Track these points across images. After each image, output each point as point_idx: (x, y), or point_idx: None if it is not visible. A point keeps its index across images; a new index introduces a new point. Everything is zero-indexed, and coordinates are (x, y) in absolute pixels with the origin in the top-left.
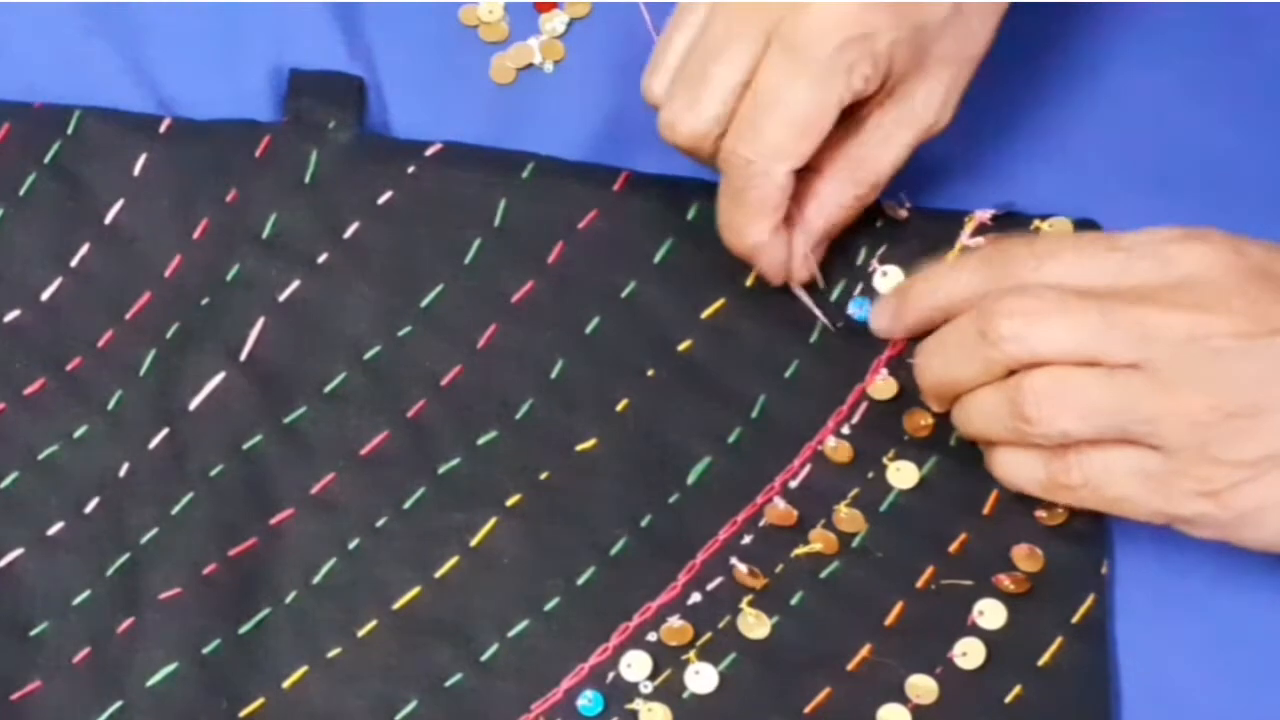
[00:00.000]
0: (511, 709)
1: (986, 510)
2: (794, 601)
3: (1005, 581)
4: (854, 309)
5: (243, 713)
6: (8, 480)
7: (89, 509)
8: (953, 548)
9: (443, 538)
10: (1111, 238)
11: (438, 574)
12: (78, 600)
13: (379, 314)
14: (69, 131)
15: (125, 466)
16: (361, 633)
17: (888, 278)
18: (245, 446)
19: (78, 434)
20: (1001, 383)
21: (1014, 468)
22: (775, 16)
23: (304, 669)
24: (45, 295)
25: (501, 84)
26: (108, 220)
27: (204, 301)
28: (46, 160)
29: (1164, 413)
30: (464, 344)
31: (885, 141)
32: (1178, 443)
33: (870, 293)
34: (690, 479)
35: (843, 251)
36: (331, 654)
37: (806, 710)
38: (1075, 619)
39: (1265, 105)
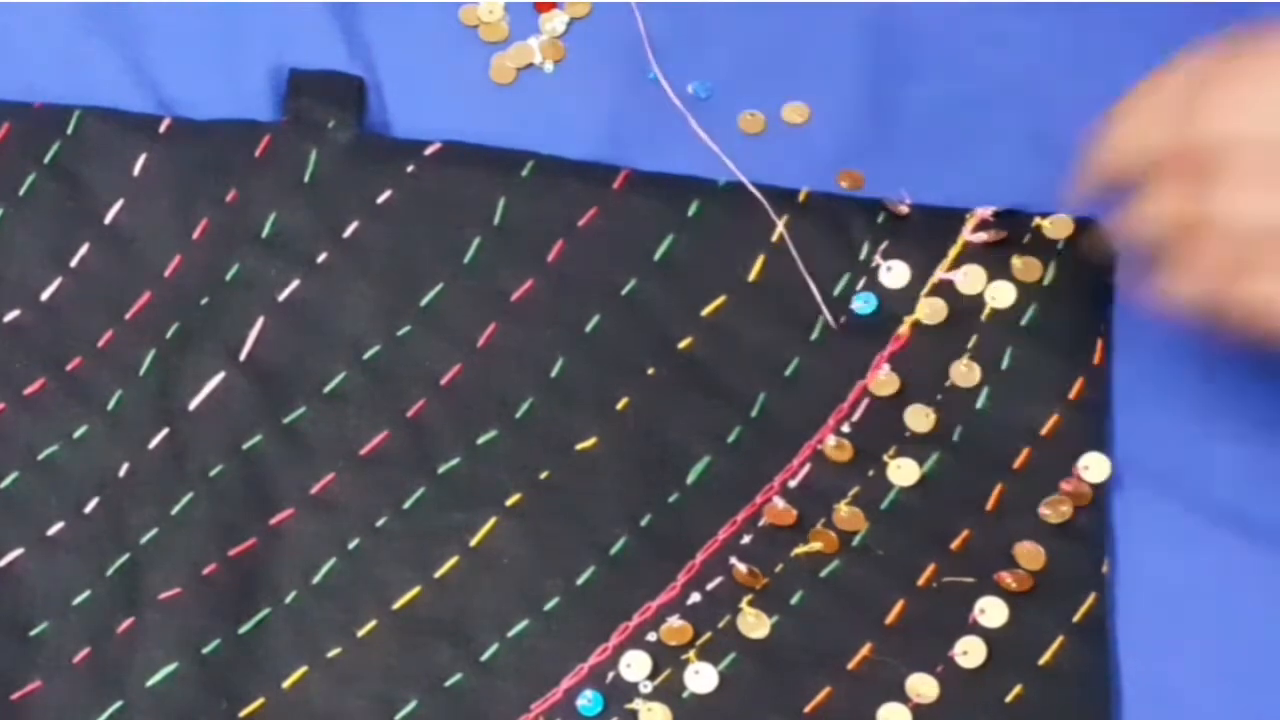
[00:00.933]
0: (511, 709)
1: (989, 507)
2: (794, 601)
3: (1007, 579)
4: (858, 304)
5: (242, 713)
6: (8, 480)
7: (89, 509)
8: (954, 545)
9: (442, 537)
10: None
11: (437, 574)
12: (78, 600)
13: (378, 313)
14: (69, 131)
15: (125, 466)
16: (361, 633)
17: (892, 272)
18: (245, 446)
19: (78, 434)
20: None
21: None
22: None
23: (304, 669)
24: (45, 295)
25: (501, 84)
26: (107, 220)
27: (204, 301)
28: (46, 160)
29: None
30: (464, 343)
31: None
32: None
33: (874, 287)
34: (690, 478)
35: (846, 246)
36: (331, 654)
37: (806, 710)
38: (1076, 618)
39: None
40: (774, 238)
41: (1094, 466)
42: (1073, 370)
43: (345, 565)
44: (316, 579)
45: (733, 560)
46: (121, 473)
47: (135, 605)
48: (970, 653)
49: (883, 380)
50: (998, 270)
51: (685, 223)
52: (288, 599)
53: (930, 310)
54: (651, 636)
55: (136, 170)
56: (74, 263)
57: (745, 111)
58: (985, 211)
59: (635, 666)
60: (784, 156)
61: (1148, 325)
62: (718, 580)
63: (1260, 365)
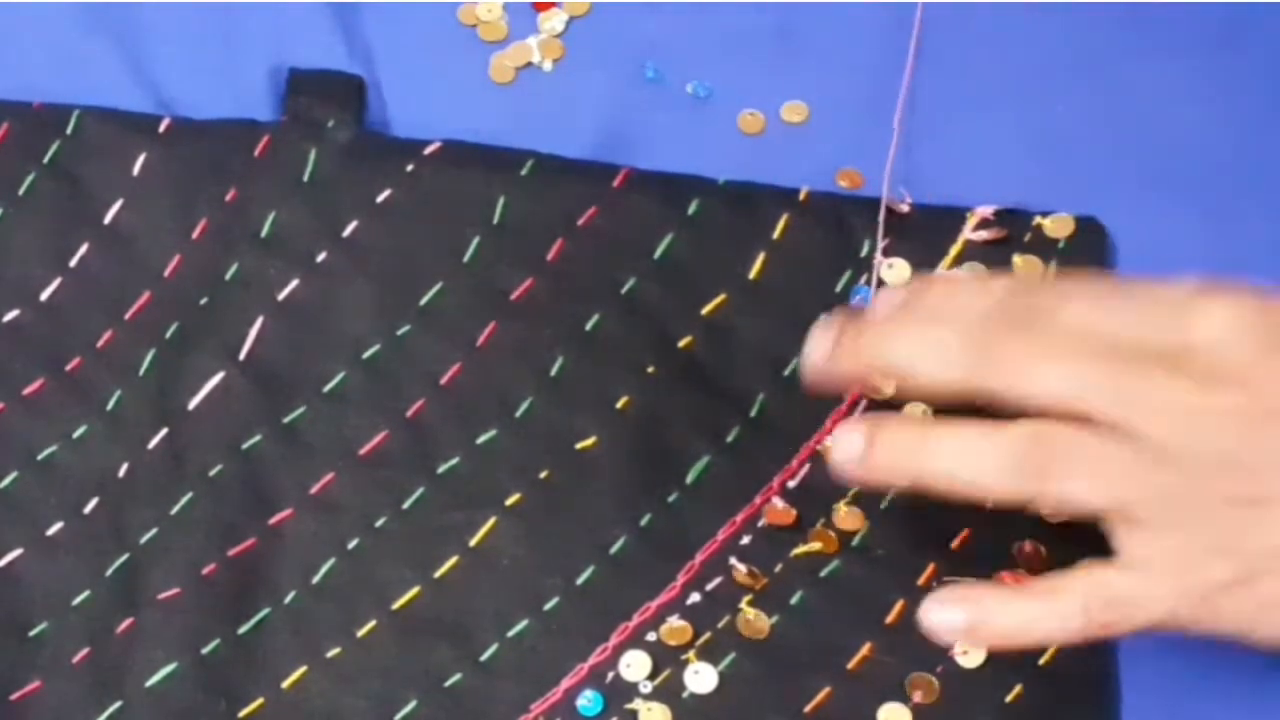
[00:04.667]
0: (511, 709)
1: (990, 505)
2: (794, 601)
3: (1008, 579)
4: (856, 300)
5: (242, 713)
6: (7, 480)
7: (88, 509)
8: (954, 545)
9: (442, 537)
10: (1132, 287)
11: (437, 574)
12: (77, 600)
13: (378, 313)
14: (68, 131)
15: (124, 466)
16: (361, 633)
17: (893, 270)
18: (244, 446)
19: (77, 434)
20: (1002, 426)
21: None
22: None
23: (303, 669)
24: (44, 295)
25: (500, 83)
26: (107, 220)
27: (203, 301)
28: (46, 160)
29: (1163, 490)
30: (463, 342)
31: None
32: (1175, 525)
33: (876, 284)
34: (689, 478)
35: (846, 244)
36: (331, 654)
37: (806, 710)
38: None
39: (1266, 103)
40: (775, 236)
41: None
42: None
43: (345, 565)
44: (316, 579)
45: (732, 560)
46: (121, 473)
47: (135, 605)
48: (970, 652)
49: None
50: (998, 269)
51: (685, 221)
52: (287, 599)
53: None
54: (651, 636)
55: (136, 170)
56: (73, 263)
57: (745, 111)
58: (986, 210)
59: (635, 666)
60: (784, 156)
61: None
62: (717, 580)
63: None
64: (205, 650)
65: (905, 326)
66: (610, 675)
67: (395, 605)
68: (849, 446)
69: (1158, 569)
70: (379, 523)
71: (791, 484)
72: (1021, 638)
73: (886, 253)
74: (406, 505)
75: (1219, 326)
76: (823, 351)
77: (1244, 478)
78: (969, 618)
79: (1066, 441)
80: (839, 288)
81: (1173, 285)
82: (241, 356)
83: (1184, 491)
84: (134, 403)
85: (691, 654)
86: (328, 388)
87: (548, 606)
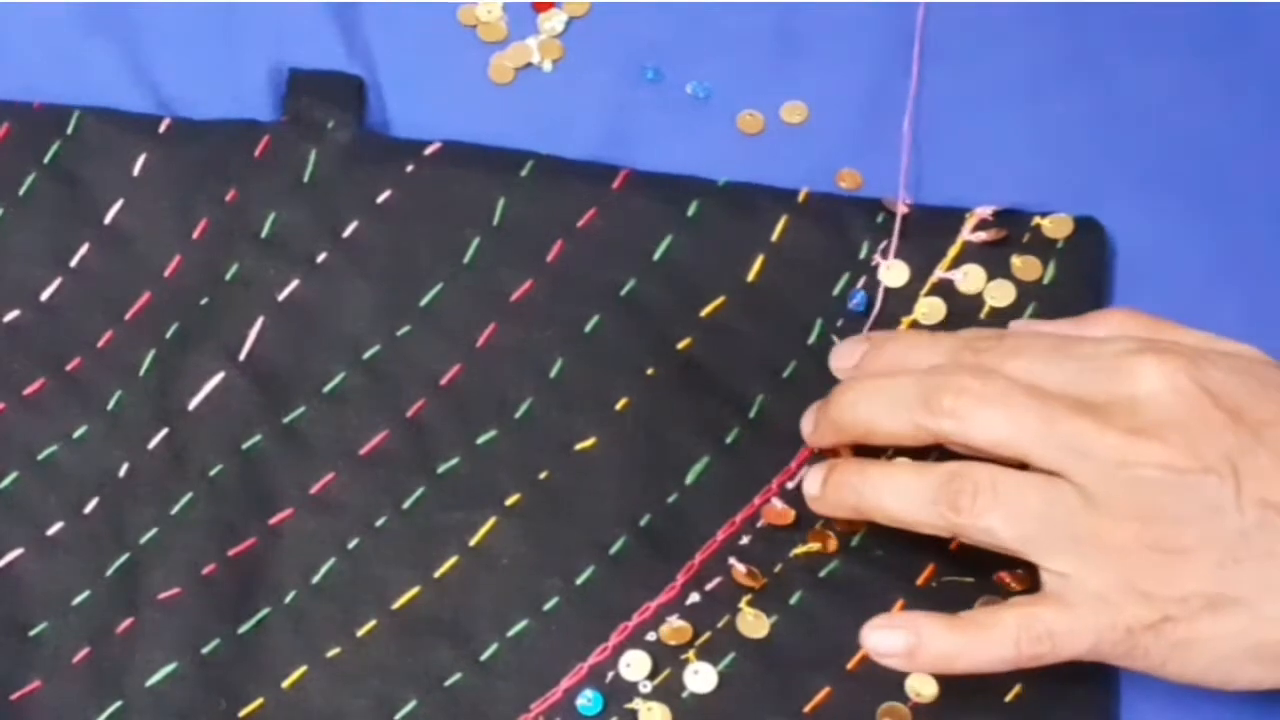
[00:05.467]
0: (511, 708)
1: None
2: (793, 601)
3: (1007, 579)
4: (854, 303)
5: (242, 713)
6: (7, 480)
7: (88, 509)
8: (954, 544)
9: (442, 537)
10: (1076, 342)
11: (437, 574)
12: (77, 600)
13: (378, 313)
14: (69, 131)
15: (125, 466)
16: (361, 632)
17: (891, 271)
18: (244, 446)
19: (77, 434)
20: (931, 466)
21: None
22: None
23: (303, 669)
24: (45, 295)
25: (500, 84)
26: (107, 220)
27: (203, 301)
28: (46, 160)
29: (1088, 533)
30: (463, 343)
31: None
32: (1099, 566)
33: (873, 286)
34: (689, 479)
35: (844, 245)
36: (331, 654)
37: (806, 710)
38: None
39: (1266, 102)
40: (774, 237)
41: None
42: None
43: (345, 565)
44: (316, 579)
45: (731, 560)
46: (121, 473)
47: (135, 605)
48: (923, 692)
49: None
50: (997, 269)
51: (685, 223)
52: (287, 599)
53: (928, 310)
54: (651, 636)
55: (136, 170)
56: (74, 263)
57: (745, 111)
58: (985, 211)
59: (635, 666)
60: (783, 156)
61: None
62: (717, 580)
63: None
64: (205, 650)
65: (860, 388)
66: (610, 675)
67: (395, 605)
68: (809, 485)
69: (1080, 607)
70: (379, 522)
71: (790, 484)
72: (956, 665)
73: (885, 254)
74: (406, 505)
75: (1152, 384)
76: (809, 434)
77: (1163, 529)
78: (908, 642)
79: (983, 481)
80: (837, 290)
81: (1114, 343)
82: (241, 356)
83: (1106, 537)
84: (134, 403)
85: (691, 654)
86: (328, 388)
87: (547, 606)
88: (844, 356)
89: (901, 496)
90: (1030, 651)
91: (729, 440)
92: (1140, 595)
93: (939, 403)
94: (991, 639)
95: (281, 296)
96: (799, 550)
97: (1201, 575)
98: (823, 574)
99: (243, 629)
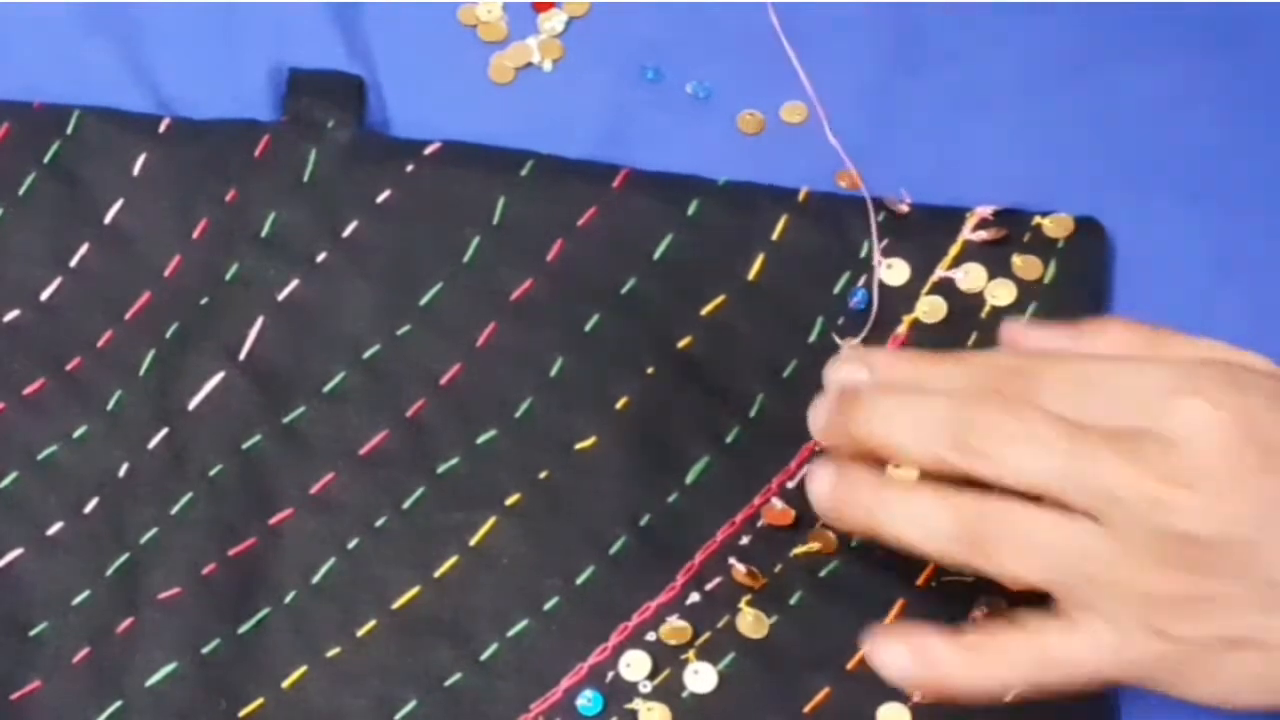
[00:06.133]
0: (511, 708)
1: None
2: (793, 601)
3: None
4: (854, 301)
5: (242, 713)
6: (7, 480)
7: (89, 509)
8: None
9: (442, 537)
10: (1112, 370)
11: (437, 573)
12: (77, 600)
13: (378, 313)
14: (68, 131)
15: (125, 466)
16: (361, 632)
17: (893, 270)
18: (244, 446)
19: (77, 434)
20: (953, 495)
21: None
22: None
23: (303, 669)
24: (45, 295)
25: (500, 83)
26: (107, 220)
27: (203, 301)
28: (46, 160)
29: (1115, 578)
30: (463, 343)
31: None
32: (1123, 607)
33: (872, 286)
34: (689, 479)
35: (845, 245)
36: (331, 654)
37: (806, 710)
38: None
39: (1266, 102)
40: (774, 236)
41: None
42: None
43: (345, 565)
44: (316, 579)
45: (731, 560)
46: (121, 473)
47: (135, 605)
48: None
49: None
50: (998, 269)
51: (685, 222)
52: (287, 599)
53: (929, 309)
54: (651, 636)
55: (136, 170)
56: (74, 263)
57: (744, 111)
58: (985, 210)
59: (635, 666)
60: (783, 156)
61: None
62: (717, 580)
63: None
64: (205, 650)
65: (883, 405)
66: (610, 675)
67: (395, 605)
68: (816, 484)
69: (1094, 641)
70: (379, 522)
71: (790, 484)
72: (962, 689)
73: (886, 253)
74: (406, 505)
75: (1190, 425)
76: (818, 429)
77: (1193, 578)
78: (913, 663)
79: (1009, 518)
80: (838, 289)
81: (1153, 373)
82: (241, 356)
83: (1134, 582)
84: (134, 403)
85: (691, 654)
86: (328, 388)
87: (547, 606)
88: (849, 369)
89: (920, 527)
90: (1041, 678)
91: (729, 440)
92: (1162, 636)
93: (967, 441)
94: (1003, 662)
95: (281, 296)
96: (799, 550)
97: (1227, 622)
98: (823, 574)
99: (243, 629)
